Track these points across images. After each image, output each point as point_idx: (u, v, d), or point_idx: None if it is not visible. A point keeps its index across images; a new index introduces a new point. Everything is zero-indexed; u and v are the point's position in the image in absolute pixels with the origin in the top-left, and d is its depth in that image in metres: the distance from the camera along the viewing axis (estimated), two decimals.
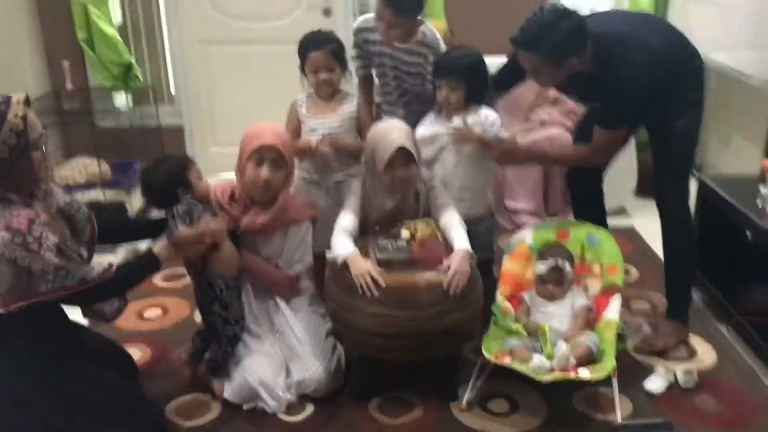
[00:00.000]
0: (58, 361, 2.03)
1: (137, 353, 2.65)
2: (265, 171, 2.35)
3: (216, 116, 4.72)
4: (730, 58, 3.51)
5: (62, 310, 2.10)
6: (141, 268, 2.20)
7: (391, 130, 2.42)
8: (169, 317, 2.98)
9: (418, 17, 2.66)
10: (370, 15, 2.83)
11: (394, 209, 2.48)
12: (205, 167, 4.71)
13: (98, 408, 2.07)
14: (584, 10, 2.51)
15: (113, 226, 2.37)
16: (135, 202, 4.04)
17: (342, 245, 2.34)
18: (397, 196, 2.47)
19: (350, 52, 2.88)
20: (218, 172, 4.57)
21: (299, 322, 2.45)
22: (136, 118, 4.31)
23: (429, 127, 2.69)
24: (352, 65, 2.91)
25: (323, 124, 2.71)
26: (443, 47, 2.76)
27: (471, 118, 2.58)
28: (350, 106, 2.75)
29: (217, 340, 2.39)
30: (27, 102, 1.88)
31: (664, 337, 2.61)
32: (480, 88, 2.65)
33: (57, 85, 4.32)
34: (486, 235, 2.73)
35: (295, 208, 2.50)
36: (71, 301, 2.01)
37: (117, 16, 4.47)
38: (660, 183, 2.65)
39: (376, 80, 2.96)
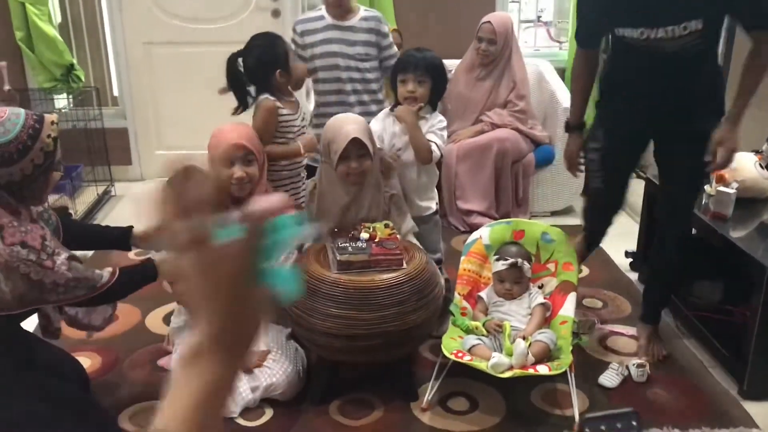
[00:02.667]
0: (4, 374, 1.96)
1: (87, 362, 2.56)
2: (237, 170, 2.33)
3: (161, 119, 4.62)
4: None
5: (15, 319, 2.02)
6: (140, 277, 2.16)
7: (346, 123, 2.43)
8: (119, 324, 2.88)
9: None
10: (309, 12, 2.99)
11: (349, 203, 2.47)
12: (151, 171, 4.68)
13: (47, 419, 2.00)
14: None
15: (79, 235, 2.30)
16: (78, 206, 3.92)
17: None
18: (353, 190, 2.46)
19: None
20: (165, 176, 4.50)
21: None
22: (79, 120, 4.18)
23: (379, 123, 2.71)
24: None
25: (299, 118, 2.75)
26: (386, 26, 2.96)
27: (425, 122, 2.62)
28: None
29: None
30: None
31: (657, 342, 2.68)
32: (441, 89, 2.69)
33: None
34: (433, 233, 2.75)
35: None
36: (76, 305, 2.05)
37: (57, 16, 4.33)
38: (682, 196, 2.53)
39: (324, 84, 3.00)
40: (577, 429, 2.23)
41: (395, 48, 3.12)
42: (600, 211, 2.82)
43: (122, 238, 2.30)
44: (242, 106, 2.72)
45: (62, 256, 1.87)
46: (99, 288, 1.95)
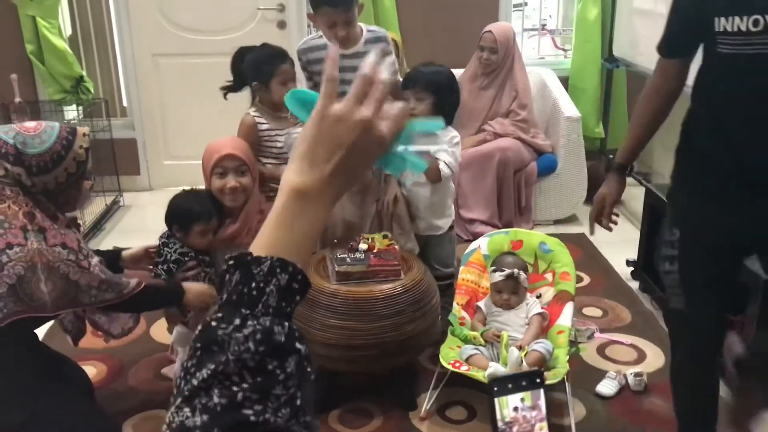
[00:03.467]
0: (22, 379, 2.01)
1: (93, 370, 2.62)
2: (230, 180, 2.39)
3: (169, 129, 4.70)
4: None
5: (35, 324, 2.10)
6: (165, 296, 2.26)
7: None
8: None
9: (354, 6, 2.67)
10: (311, 36, 2.93)
11: (353, 221, 2.52)
12: (159, 181, 4.75)
13: (57, 424, 2.05)
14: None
15: None
16: (87, 216, 3.99)
17: None
18: (358, 212, 2.51)
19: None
20: (172, 186, 4.56)
21: None
22: (88, 131, 4.24)
23: None
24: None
25: (291, 134, 2.76)
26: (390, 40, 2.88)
27: (434, 138, 2.64)
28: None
29: None
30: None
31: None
32: (448, 104, 2.65)
33: (5, 99, 4.23)
34: (448, 249, 2.77)
35: (267, 210, 2.52)
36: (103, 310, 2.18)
37: (67, 29, 4.41)
38: None
39: None
40: (487, 387, 2.11)
41: (397, 65, 3.12)
42: (690, 363, 1.97)
43: (113, 260, 2.36)
44: (233, 90, 2.88)
45: (95, 259, 2.01)
46: (125, 294, 2.05)
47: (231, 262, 0.68)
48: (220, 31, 4.47)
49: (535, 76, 4.24)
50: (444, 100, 2.63)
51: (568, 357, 2.34)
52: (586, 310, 3.07)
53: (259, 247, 0.70)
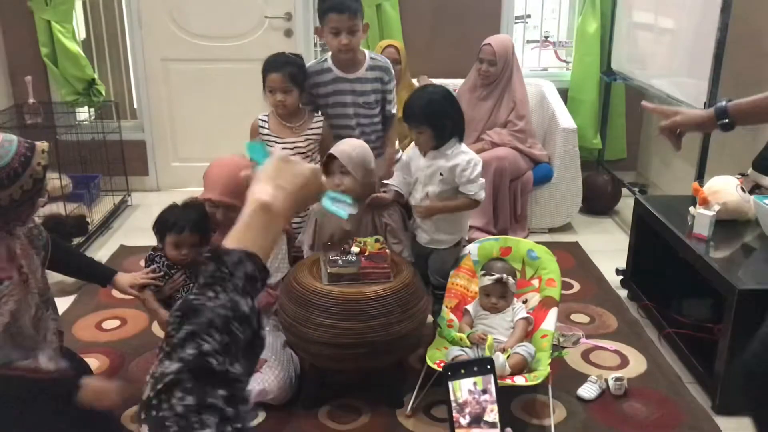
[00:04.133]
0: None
1: (95, 363, 2.73)
2: (219, 213, 2.49)
3: (177, 132, 4.82)
4: (669, 83, 3.72)
5: None
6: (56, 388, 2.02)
7: (341, 143, 2.64)
8: (128, 328, 3.06)
9: (359, 16, 2.84)
10: (317, 59, 3.06)
11: (350, 230, 2.63)
12: (167, 182, 4.87)
13: (53, 415, 2.13)
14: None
15: (65, 259, 2.38)
16: (95, 214, 4.11)
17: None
18: (353, 221, 2.62)
19: None
20: (180, 187, 4.69)
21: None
22: (99, 132, 4.38)
23: (406, 155, 2.88)
24: None
25: (291, 144, 2.87)
26: (390, 75, 3.02)
27: (441, 162, 2.70)
28: (315, 127, 2.92)
29: None
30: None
31: None
32: (450, 126, 2.68)
33: (20, 100, 4.37)
34: (450, 263, 2.83)
35: None
36: None
37: (81, 32, 4.55)
38: None
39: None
40: (442, 372, 2.11)
41: (393, 94, 3.11)
42: None
43: (104, 276, 2.45)
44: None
45: (7, 307, 1.87)
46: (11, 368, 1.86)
47: (207, 254, 0.86)
48: (228, 37, 4.60)
49: (534, 88, 4.33)
50: (443, 124, 2.67)
51: (550, 360, 2.43)
52: (574, 317, 3.16)
53: (229, 243, 0.90)
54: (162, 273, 2.52)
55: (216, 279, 0.83)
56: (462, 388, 1.44)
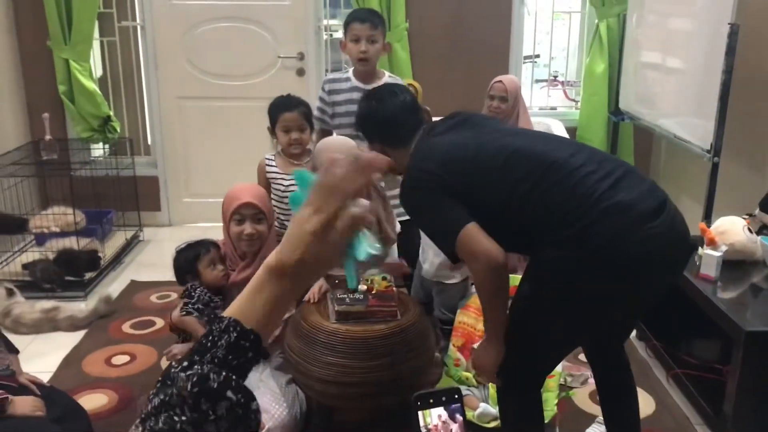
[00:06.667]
0: None
1: (104, 398, 2.75)
2: (247, 227, 2.54)
3: (190, 168, 4.89)
4: (676, 124, 3.75)
5: None
6: None
7: (333, 144, 2.64)
8: (137, 364, 3.08)
9: (380, 27, 3.03)
10: (337, 72, 3.20)
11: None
12: (179, 217, 4.93)
13: None
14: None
15: None
16: (107, 249, 4.16)
17: None
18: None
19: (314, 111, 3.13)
20: (191, 222, 4.75)
21: (267, 369, 2.58)
22: (113, 168, 4.45)
23: None
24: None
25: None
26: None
27: None
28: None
29: None
30: None
31: None
32: None
33: (37, 137, 4.46)
34: (457, 298, 2.86)
35: None
36: None
37: (98, 70, 4.65)
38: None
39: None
40: (411, 402, 2.26)
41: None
42: None
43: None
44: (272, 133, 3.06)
45: None
46: None
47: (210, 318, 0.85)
48: (241, 76, 4.69)
49: (542, 126, 4.37)
50: None
51: (557, 401, 2.43)
52: (582, 356, 3.14)
53: (229, 309, 0.87)
54: (205, 300, 2.58)
55: (200, 347, 0.82)
56: (431, 415, 1.45)
